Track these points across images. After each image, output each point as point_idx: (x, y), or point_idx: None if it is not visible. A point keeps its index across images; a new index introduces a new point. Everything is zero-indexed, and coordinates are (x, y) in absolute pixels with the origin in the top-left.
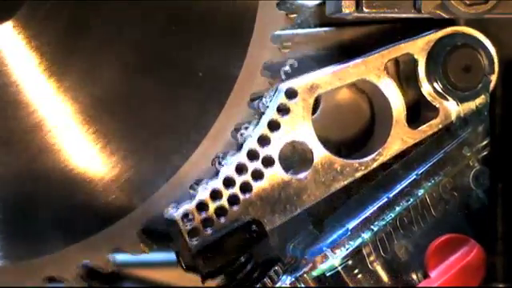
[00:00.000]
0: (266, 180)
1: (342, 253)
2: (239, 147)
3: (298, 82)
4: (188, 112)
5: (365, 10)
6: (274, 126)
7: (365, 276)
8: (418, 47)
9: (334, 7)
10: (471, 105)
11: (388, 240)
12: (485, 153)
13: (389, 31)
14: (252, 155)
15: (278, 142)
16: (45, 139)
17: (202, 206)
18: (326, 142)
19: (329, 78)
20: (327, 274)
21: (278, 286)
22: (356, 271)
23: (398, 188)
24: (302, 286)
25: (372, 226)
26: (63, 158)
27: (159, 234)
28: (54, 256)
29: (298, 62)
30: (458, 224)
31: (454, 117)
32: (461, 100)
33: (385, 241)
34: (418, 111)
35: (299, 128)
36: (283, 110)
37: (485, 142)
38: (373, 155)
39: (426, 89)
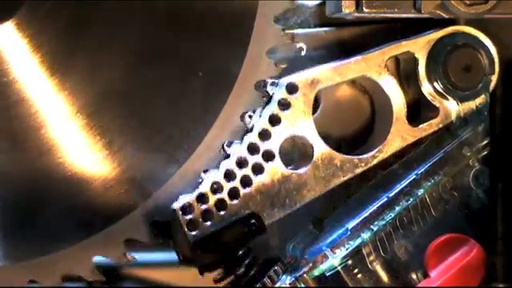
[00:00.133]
0: (267, 174)
1: (341, 253)
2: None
3: (299, 77)
4: (193, 104)
5: (365, 10)
6: (274, 120)
7: (364, 276)
8: (418, 46)
9: (334, 7)
10: (471, 104)
11: (388, 240)
12: (485, 152)
13: (389, 31)
14: (252, 149)
15: (278, 137)
16: (47, 138)
17: (202, 199)
18: (326, 139)
19: (329, 74)
20: (327, 274)
21: (277, 285)
22: (356, 271)
23: (398, 188)
24: (302, 285)
25: (372, 226)
26: (66, 156)
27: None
28: (57, 255)
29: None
30: (458, 224)
31: (454, 116)
32: (461, 100)
33: (384, 241)
34: (418, 111)
35: (300, 123)
36: (284, 105)
37: (485, 142)
38: (373, 152)
39: (427, 88)
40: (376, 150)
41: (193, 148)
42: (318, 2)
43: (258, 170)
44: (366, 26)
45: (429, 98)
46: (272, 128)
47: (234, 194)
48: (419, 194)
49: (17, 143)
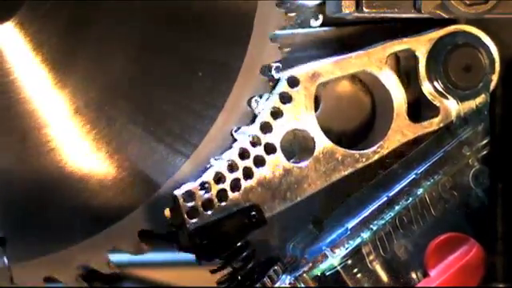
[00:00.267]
0: (268, 167)
1: (341, 252)
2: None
3: (300, 71)
4: (199, 93)
5: (365, 10)
6: (276, 113)
7: (364, 275)
8: (419, 44)
9: (335, 7)
10: (471, 104)
11: (387, 239)
12: (484, 152)
13: (389, 31)
14: (254, 142)
15: (280, 130)
16: (48, 138)
17: (204, 187)
18: (327, 134)
19: (330, 67)
20: (327, 274)
21: (277, 285)
22: (355, 271)
23: (398, 187)
24: (302, 285)
25: (371, 226)
26: (68, 156)
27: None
28: (57, 255)
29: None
30: (458, 223)
31: (454, 116)
32: (461, 99)
33: (384, 240)
34: (418, 110)
35: (301, 116)
36: (285, 98)
37: (485, 142)
38: (374, 147)
39: (427, 87)
40: (377, 145)
41: (201, 138)
42: (317, 2)
43: (259, 162)
44: (366, 26)
45: (429, 97)
46: (274, 121)
47: (235, 185)
48: (419, 193)
49: (18, 143)
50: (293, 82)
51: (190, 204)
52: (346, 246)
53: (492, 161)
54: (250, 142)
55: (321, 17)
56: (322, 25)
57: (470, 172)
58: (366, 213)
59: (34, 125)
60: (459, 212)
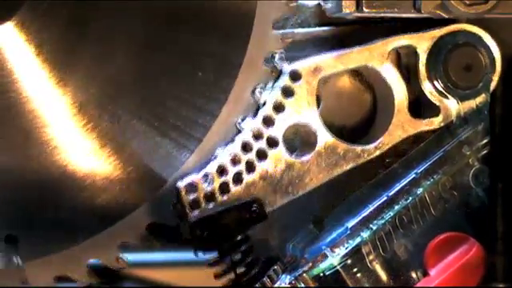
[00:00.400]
0: (270, 161)
1: (341, 252)
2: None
3: (302, 64)
4: (202, 86)
5: (365, 9)
6: (278, 107)
7: (364, 275)
8: (421, 41)
9: (335, 7)
10: (471, 103)
11: (387, 239)
12: (485, 152)
13: (390, 31)
14: (257, 135)
15: (282, 124)
16: (50, 137)
17: (207, 179)
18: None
19: (332, 61)
20: (326, 273)
21: (277, 285)
22: (355, 270)
23: (398, 187)
24: (302, 285)
25: (371, 225)
26: (70, 155)
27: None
28: (67, 252)
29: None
30: (458, 223)
31: (454, 115)
32: (461, 99)
33: (384, 240)
34: (419, 109)
35: (303, 110)
36: (287, 92)
37: (485, 141)
38: (375, 143)
39: (427, 87)
40: (378, 140)
41: (204, 133)
42: (317, 2)
43: (261, 156)
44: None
45: (429, 96)
46: (276, 115)
47: (238, 178)
48: (419, 192)
49: (22, 142)
50: (295, 76)
51: (192, 196)
52: (346, 245)
53: (492, 160)
54: (253, 136)
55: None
56: (322, 25)
57: (470, 171)
58: (365, 212)
59: (37, 124)
60: (459, 212)
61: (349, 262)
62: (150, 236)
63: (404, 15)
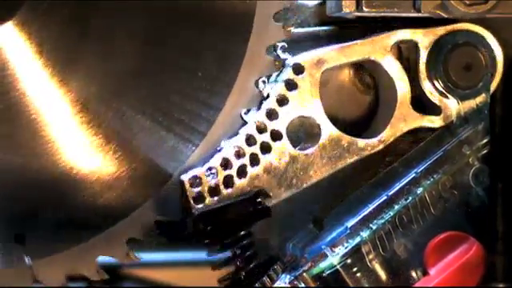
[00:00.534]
0: (274, 153)
1: (340, 251)
2: (261, 101)
3: (305, 57)
4: (206, 79)
5: (365, 9)
6: (282, 100)
7: (364, 274)
8: (423, 37)
9: (335, 7)
10: (471, 103)
11: (387, 238)
12: (485, 151)
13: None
14: (261, 129)
15: (286, 117)
16: (57, 135)
17: (211, 173)
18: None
19: (335, 54)
20: (326, 273)
21: (276, 285)
22: (355, 269)
23: (398, 186)
24: (302, 285)
25: (371, 225)
26: (72, 155)
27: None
28: (76, 250)
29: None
30: (458, 222)
31: (454, 115)
32: (461, 98)
33: (384, 239)
34: (420, 109)
35: (307, 103)
36: (291, 85)
37: (485, 141)
38: (379, 136)
39: (427, 86)
40: (381, 134)
41: (208, 126)
42: (317, 2)
43: (265, 149)
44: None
45: (429, 96)
46: (280, 108)
47: (242, 171)
48: (419, 192)
49: (27, 142)
50: (298, 69)
51: (197, 189)
52: (346, 244)
53: (492, 160)
54: (257, 129)
55: None
56: (322, 25)
57: (470, 171)
58: (365, 212)
59: (41, 123)
60: (459, 211)
61: (349, 261)
62: (157, 231)
63: (404, 15)
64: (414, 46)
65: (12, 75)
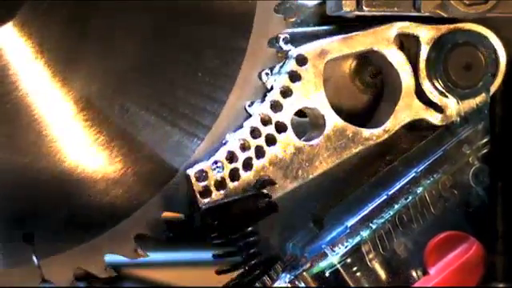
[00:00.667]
0: (279, 145)
1: (340, 250)
2: (265, 93)
3: (308, 48)
4: (208, 73)
5: (365, 8)
6: (285, 92)
7: (364, 274)
8: (426, 33)
9: (335, 6)
10: (471, 103)
11: (387, 238)
12: (485, 151)
13: None
14: (265, 121)
15: (290, 109)
16: (61, 134)
17: (217, 166)
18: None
19: (338, 45)
20: (326, 272)
21: (276, 284)
22: (355, 269)
23: (398, 185)
24: (302, 284)
25: (371, 224)
26: (75, 154)
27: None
28: (84, 247)
29: None
30: (458, 222)
31: (454, 114)
32: (461, 98)
33: (384, 238)
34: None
35: (311, 94)
36: (294, 77)
37: (485, 140)
38: (383, 126)
39: (427, 86)
40: (386, 123)
41: (213, 120)
42: (317, 2)
43: (270, 141)
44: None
45: (429, 95)
46: (283, 100)
47: (247, 164)
48: (419, 191)
49: (32, 142)
50: (301, 60)
51: (203, 183)
52: (346, 244)
53: (492, 159)
54: (261, 121)
55: None
56: (322, 24)
57: (470, 170)
58: (365, 211)
59: (45, 122)
60: (459, 211)
61: (348, 260)
62: (164, 226)
63: (404, 14)
64: (415, 42)
65: (14, 76)
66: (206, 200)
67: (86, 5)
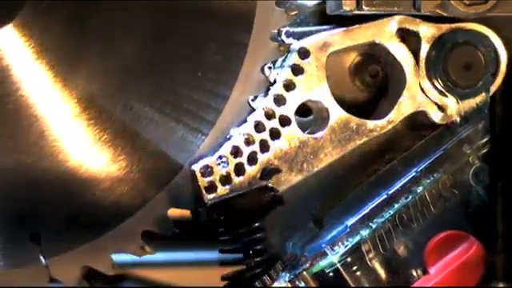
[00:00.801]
0: (283, 139)
1: (340, 250)
2: (268, 87)
3: (310, 41)
4: (211, 69)
5: (365, 8)
6: (288, 86)
7: (364, 273)
8: (427, 30)
9: (335, 5)
10: (471, 102)
11: (387, 237)
12: (485, 150)
13: None
14: (268, 115)
15: (293, 102)
16: (65, 132)
17: (222, 161)
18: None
19: (340, 37)
20: (326, 271)
21: (276, 284)
22: (355, 268)
23: (398, 185)
24: (302, 284)
25: (371, 224)
26: (89, 146)
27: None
28: (91, 245)
29: None
30: (458, 221)
31: (454, 114)
32: (461, 97)
33: (384, 238)
34: None
35: (314, 87)
36: (297, 70)
37: (485, 140)
38: (387, 117)
39: (426, 85)
40: (390, 114)
41: (217, 115)
42: (317, 2)
43: (275, 135)
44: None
45: (429, 95)
46: (287, 93)
47: (252, 158)
48: (419, 191)
49: (35, 142)
50: (304, 54)
51: (208, 179)
52: (346, 243)
53: (492, 159)
54: (265, 115)
55: None
56: (322, 23)
57: (471, 170)
58: (365, 210)
59: (48, 122)
60: (459, 210)
61: (348, 260)
62: (171, 222)
63: (404, 13)
64: (415, 41)
65: (15, 76)
66: (212, 195)
67: (86, 4)
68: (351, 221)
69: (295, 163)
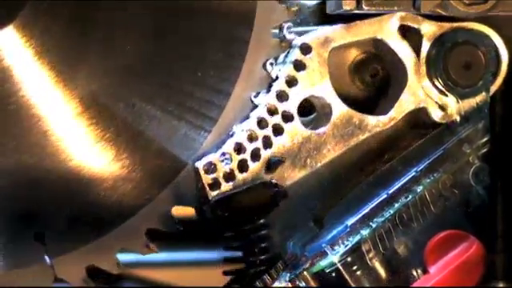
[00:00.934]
0: (286, 135)
1: (340, 249)
2: (270, 83)
3: (312, 37)
4: (213, 66)
5: (364, 7)
6: (291, 82)
7: (364, 273)
8: (429, 26)
9: (335, 5)
10: (472, 102)
11: (387, 237)
12: (485, 150)
13: None
14: (271, 111)
15: (296, 98)
16: (67, 132)
17: (225, 158)
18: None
19: (342, 33)
20: (326, 271)
21: (276, 284)
22: (355, 268)
23: (398, 184)
24: (302, 283)
25: (371, 223)
26: (92, 145)
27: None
28: (96, 244)
29: None
30: (458, 221)
31: (454, 113)
32: (461, 97)
33: (384, 237)
34: None
35: (316, 83)
36: (299, 66)
37: (485, 139)
38: (389, 114)
39: (426, 85)
40: (391, 110)
41: (219, 112)
42: (317, 2)
43: (277, 131)
44: None
45: (429, 95)
46: (289, 89)
47: (255, 154)
48: (419, 190)
49: (37, 142)
50: (305, 49)
51: (212, 175)
52: (346, 243)
53: (492, 158)
54: (268, 111)
55: None
56: (322, 23)
57: (471, 170)
58: (365, 210)
59: (51, 122)
60: (459, 210)
61: (349, 259)
62: (175, 220)
63: (404, 13)
64: (416, 39)
65: (16, 77)
66: (216, 192)
67: (87, 5)
68: (351, 220)
69: (298, 159)
